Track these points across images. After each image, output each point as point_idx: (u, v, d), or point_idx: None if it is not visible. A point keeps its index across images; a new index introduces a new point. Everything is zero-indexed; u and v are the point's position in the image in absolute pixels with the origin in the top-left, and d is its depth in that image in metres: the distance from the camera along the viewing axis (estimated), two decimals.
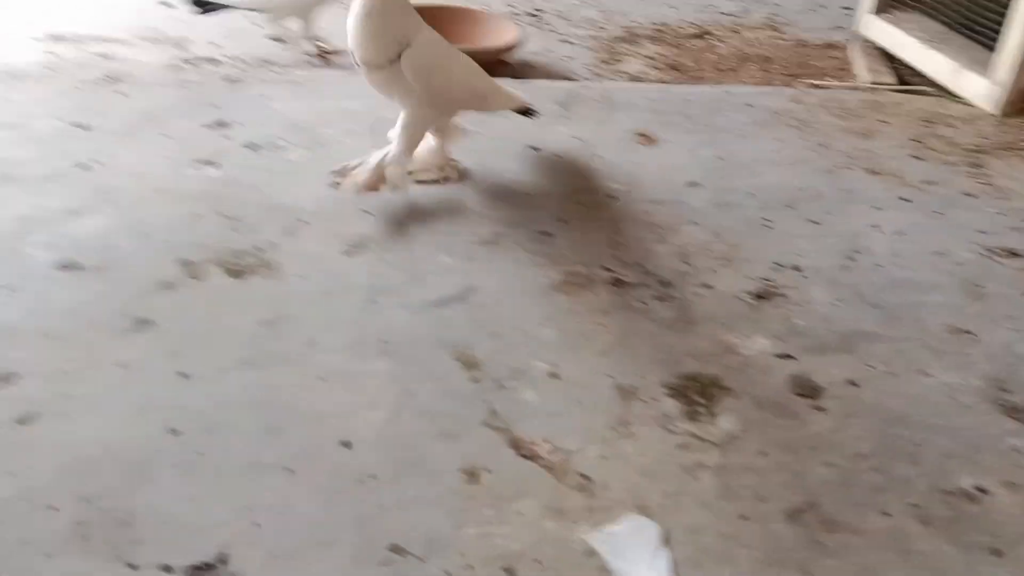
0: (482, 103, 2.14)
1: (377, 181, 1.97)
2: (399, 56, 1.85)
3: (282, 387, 1.47)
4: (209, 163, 2.11)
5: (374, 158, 1.99)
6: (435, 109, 2.00)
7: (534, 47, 3.23)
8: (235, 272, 1.73)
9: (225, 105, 2.41)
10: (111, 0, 3.40)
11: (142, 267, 1.72)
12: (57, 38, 2.96)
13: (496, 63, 2.96)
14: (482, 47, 2.92)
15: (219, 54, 2.92)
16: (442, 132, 2.12)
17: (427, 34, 1.93)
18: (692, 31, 3.65)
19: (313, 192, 2.03)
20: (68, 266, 1.71)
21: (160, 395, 1.43)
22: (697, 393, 1.53)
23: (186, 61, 2.80)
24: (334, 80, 2.68)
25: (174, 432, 1.35)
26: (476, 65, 2.09)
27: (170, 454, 1.32)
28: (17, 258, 1.72)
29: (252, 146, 2.20)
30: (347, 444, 1.36)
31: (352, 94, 2.54)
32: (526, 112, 2.25)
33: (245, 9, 2.80)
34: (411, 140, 2.00)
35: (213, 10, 2.73)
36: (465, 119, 2.19)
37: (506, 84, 2.28)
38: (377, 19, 1.83)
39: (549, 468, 1.35)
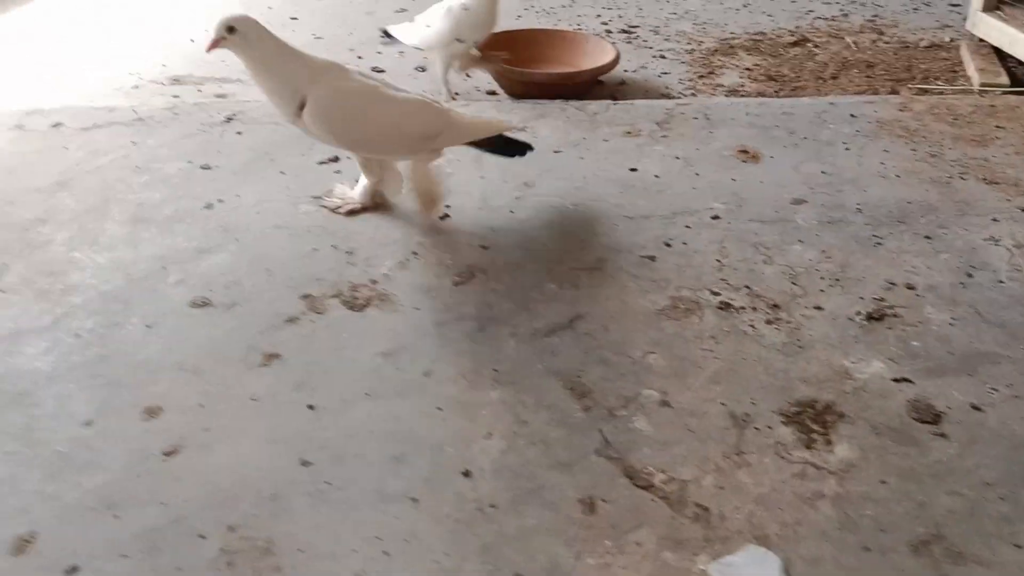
0: (420, 144, 2.02)
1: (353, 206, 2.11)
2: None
3: (403, 417, 1.53)
4: (323, 198, 2.22)
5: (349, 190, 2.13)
6: (366, 154, 2.05)
7: (630, 65, 3.24)
8: (353, 305, 1.82)
9: None
10: None
11: (267, 302, 1.83)
12: (177, 80, 3.16)
13: (594, 84, 2.99)
14: (580, 69, 2.96)
15: None
16: (379, 174, 2.13)
17: (328, 85, 1.90)
18: (790, 39, 3.58)
19: (422, 225, 2.11)
20: (200, 303, 1.83)
21: (290, 427, 1.51)
22: (812, 420, 1.52)
23: None
24: None
25: (305, 463, 1.44)
26: (416, 103, 2.01)
27: (303, 484, 1.40)
28: (155, 296, 1.86)
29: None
30: (467, 473, 1.42)
31: None
32: (512, 149, 2.14)
33: (412, 47, 2.91)
34: (369, 175, 2.08)
35: (392, 42, 2.94)
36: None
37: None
38: (261, 79, 1.90)
39: (665, 498, 1.36)
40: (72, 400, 1.57)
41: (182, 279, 1.91)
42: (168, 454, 1.46)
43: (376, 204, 2.17)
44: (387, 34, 2.96)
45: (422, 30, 2.78)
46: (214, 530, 1.32)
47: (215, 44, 1.85)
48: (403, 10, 4.04)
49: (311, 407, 1.55)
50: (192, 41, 3.60)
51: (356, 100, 1.94)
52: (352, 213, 2.14)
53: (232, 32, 1.84)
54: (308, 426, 1.52)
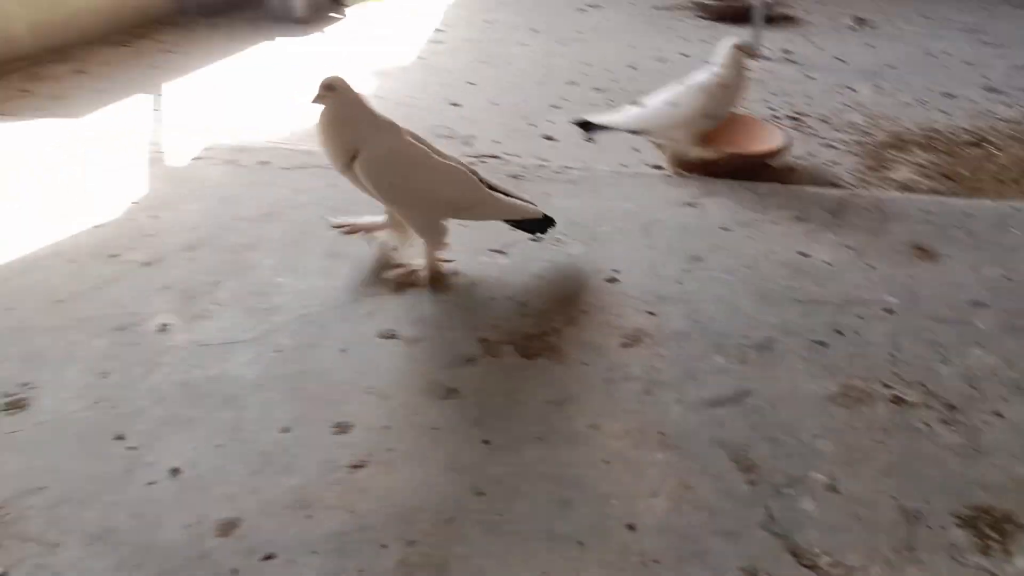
0: (452, 211, 2.19)
1: (408, 277, 2.20)
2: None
3: (571, 464, 1.60)
4: (500, 252, 2.35)
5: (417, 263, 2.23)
6: (409, 210, 2.15)
7: (797, 151, 3.27)
8: (526, 353, 1.92)
9: None
10: (406, 101, 3.89)
11: (448, 341, 1.96)
12: None
13: (760, 167, 3.04)
14: (749, 151, 3.01)
15: (501, 151, 3.24)
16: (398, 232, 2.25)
17: (383, 140, 2.07)
18: (967, 138, 3.52)
19: (591, 285, 2.21)
20: (388, 335, 1.98)
21: (467, 458, 1.61)
22: (989, 526, 1.48)
23: (476, 157, 3.13)
24: (609, 181, 2.88)
25: (479, 493, 1.53)
26: (457, 173, 2.15)
27: (476, 512, 1.49)
28: (348, 324, 2.02)
29: (539, 239, 2.42)
30: (632, 527, 1.46)
31: (627, 195, 2.73)
32: (534, 227, 2.28)
33: (626, 131, 2.96)
34: (430, 238, 2.17)
35: (596, 131, 2.94)
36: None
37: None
38: (328, 129, 2.06)
39: None
40: (273, 407, 1.73)
41: (372, 311, 2.07)
42: (356, 467, 1.58)
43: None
44: (587, 126, 2.92)
45: (665, 111, 2.83)
46: (395, 542, 1.42)
47: (318, 99, 2.04)
48: (573, 83, 4.25)
49: (486, 442, 1.65)
50: (378, 99, 3.91)
51: (404, 160, 2.11)
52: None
53: (331, 91, 2.04)
54: (483, 460, 1.61)
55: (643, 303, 2.14)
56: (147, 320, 2.02)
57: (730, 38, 2.89)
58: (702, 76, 2.86)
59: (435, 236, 2.19)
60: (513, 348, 1.94)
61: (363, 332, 1.99)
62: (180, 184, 2.79)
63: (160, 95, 3.89)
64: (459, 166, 2.20)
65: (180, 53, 4.65)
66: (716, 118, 2.88)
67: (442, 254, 2.25)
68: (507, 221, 2.28)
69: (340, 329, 2.00)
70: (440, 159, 2.17)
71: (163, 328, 1.99)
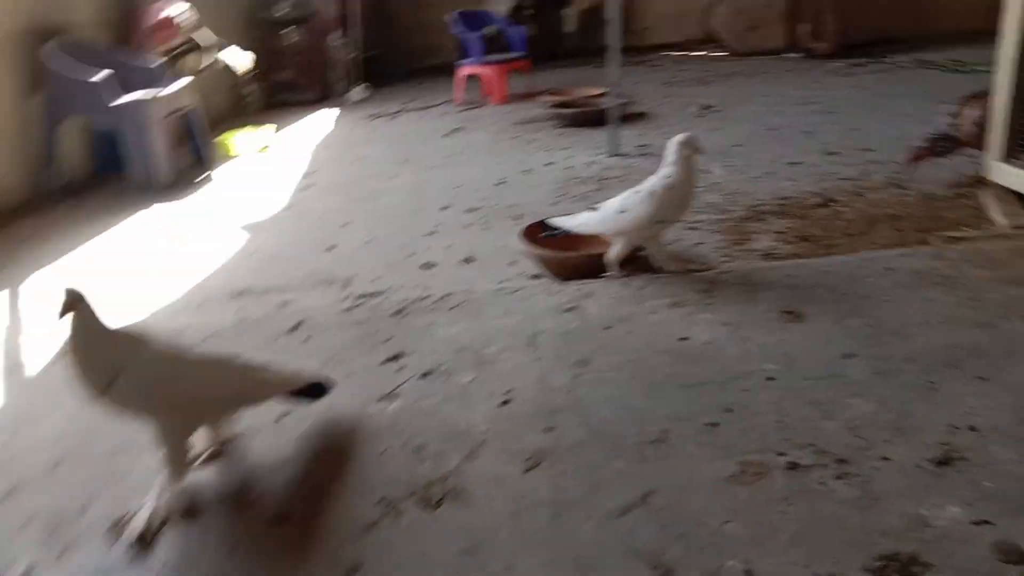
0: (239, 402, 2.07)
1: (159, 522, 1.89)
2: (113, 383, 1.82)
3: None
4: (390, 397, 2.32)
5: (149, 501, 1.92)
6: (177, 422, 1.92)
7: (663, 238, 3.41)
8: (428, 503, 1.87)
9: (396, 337, 2.68)
10: (281, 251, 3.89)
11: (344, 510, 1.88)
12: (241, 293, 3.39)
13: (633, 260, 3.14)
14: (602, 251, 3.09)
15: (381, 287, 3.25)
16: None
17: (142, 352, 1.89)
18: (815, 201, 3.76)
19: (485, 412, 2.20)
20: (278, 521, 1.87)
21: None
22: (899, 573, 1.50)
23: (357, 297, 3.13)
24: (490, 300, 2.92)
25: None
26: (225, 362, 2.07)
27: None
28: (233, 517, 1.92)
29: (425, 375, 2.41)
30: None
31: (508, 311, 2.78)
32: (314, 392, 2.19)
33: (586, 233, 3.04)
34: (174, 460, 1.92)
35: (559, 234, 3.05)
36: None
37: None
38: (81, 351, 1.83)
39: None
40: None
41: (256, 498, 1.97)
42: None
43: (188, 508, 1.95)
44: (550, 228, 3.07)
45: (613, 217, 2.89)
46: None
47: (66, 310, 1.82)
48: (447, 206, 4.35)
49: None
50: (252, 254, 3.89)
51: (171, 366, 1.94)
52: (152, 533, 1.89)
53: (79, 301, 1.84)
54: None
55: (539, 420, 2.13)
56: (7, 569, 1.83)
57: (678, 136, 2.88)
58: (652, 181, 2.88)
59: (182, 459, 1.95)
60: (414, 501, 1.88)
61: (250, 523, 1.88)
62: (40, 393, 2.66)
63: (18, 292, 3.73)
64: (220, 357, 2.10)
65: (41, 240, 4.48)
66: (669, 221, 2.93)
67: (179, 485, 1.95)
68: (285, 395, 2.16)
69: (225, 524, 1.90)
70: (200, 356, 2.06)
71: (26, 574, 1.82)
